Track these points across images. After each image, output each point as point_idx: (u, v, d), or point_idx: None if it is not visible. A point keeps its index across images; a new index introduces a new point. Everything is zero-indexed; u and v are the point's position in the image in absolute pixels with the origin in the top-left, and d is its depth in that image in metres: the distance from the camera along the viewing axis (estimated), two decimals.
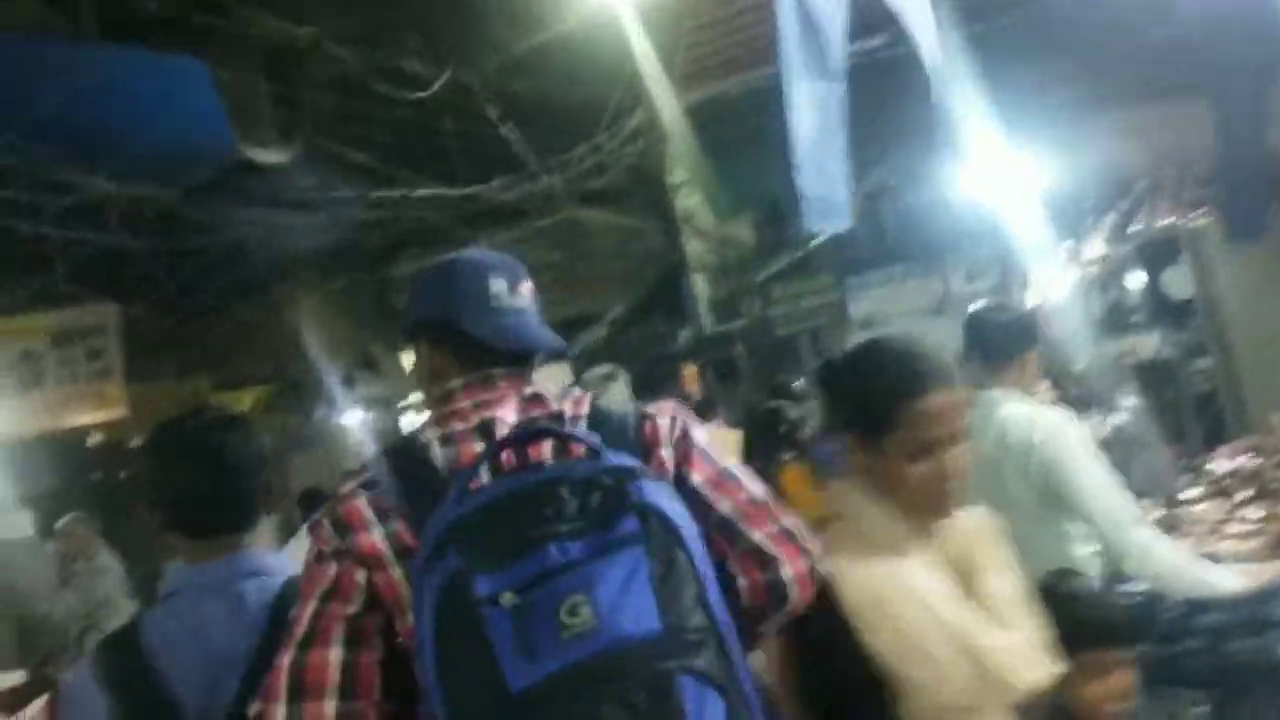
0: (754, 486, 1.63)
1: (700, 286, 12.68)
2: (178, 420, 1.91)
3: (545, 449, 1.51)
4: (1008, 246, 7.40)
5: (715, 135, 7.56)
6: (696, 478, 1.59)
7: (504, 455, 1.49)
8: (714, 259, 11.96)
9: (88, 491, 10.24)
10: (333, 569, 1.48)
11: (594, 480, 1.37)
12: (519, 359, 1.66)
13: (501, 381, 1.63)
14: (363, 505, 1.51)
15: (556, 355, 1.81)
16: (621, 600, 1.28)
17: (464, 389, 1.62)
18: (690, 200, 12.01)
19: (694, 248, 12.33)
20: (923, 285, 10.60)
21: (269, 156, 9.65)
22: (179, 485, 1.84)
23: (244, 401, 12.03)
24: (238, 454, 1.84)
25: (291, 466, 12.94)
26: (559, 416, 1.59)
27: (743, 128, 6.71)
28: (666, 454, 1.60)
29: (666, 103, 9.44)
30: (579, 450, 1.47)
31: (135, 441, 9.17)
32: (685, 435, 1.63)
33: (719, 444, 1.70)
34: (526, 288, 1.69)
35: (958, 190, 7.37)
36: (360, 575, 1.48)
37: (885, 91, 5.51)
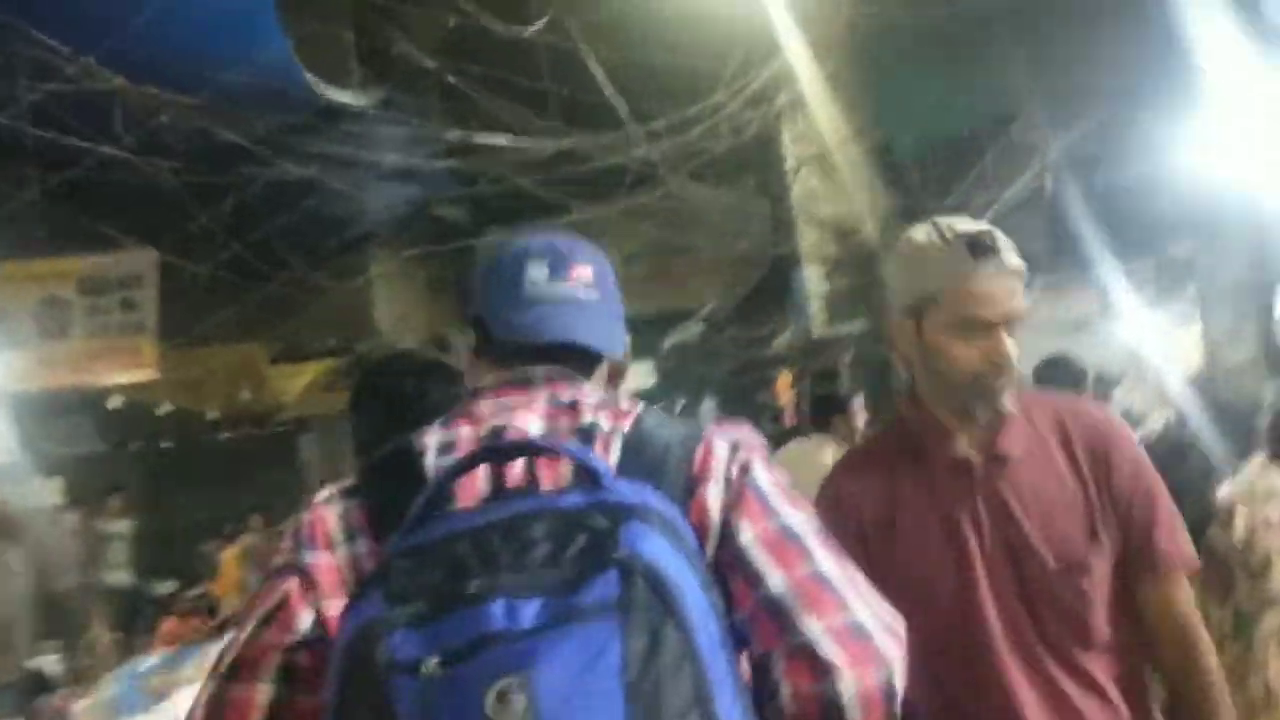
0: (828, 555, 1.22)
1: (814, 282, 11.31)
2: (379, 362, 2.05)
3: (561, 472, 1.22)
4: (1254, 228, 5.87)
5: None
6: (748, 533, 1.22)
7: (506, 473, 1.23)
8: (833, 250, 10.59)
9: (118, 460, 9.29)
10: (281, 587, 1.25)
11: (582, 518, 1.08)
12: (567, 357, 1.37)
13: (539, 383, 1.35)
14: (332, 517, 1.29)
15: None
16: (572, 692, 0.98)
17: (492, 389, 1.37)
18: (810, 183, 10.71)
19: (809, 236, 11.00)
20: (1082, 296, 9.06)
21: (350, 99, 8.67)
22: (371, 429, 1.86)
23: (303, 376, 11.04)
24: (432, 402, 1.77)
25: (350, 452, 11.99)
26: (587, 430, 1.28)
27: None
28: (713, 493, 1.24)
29: (804, 50, 8.16)
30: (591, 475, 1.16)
31: (166, 408, 8.18)
32: (745, 471, 1.27)
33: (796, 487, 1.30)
34: (582, 273, 1.40)
35: (1190, 155, 5.72)
36: (311, 600, 1.24)
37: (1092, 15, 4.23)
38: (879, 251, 10.36)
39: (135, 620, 9.84)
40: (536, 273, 1.38)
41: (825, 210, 10.45)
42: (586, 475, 1.14)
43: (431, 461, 1.28)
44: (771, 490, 1.26)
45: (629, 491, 1.13)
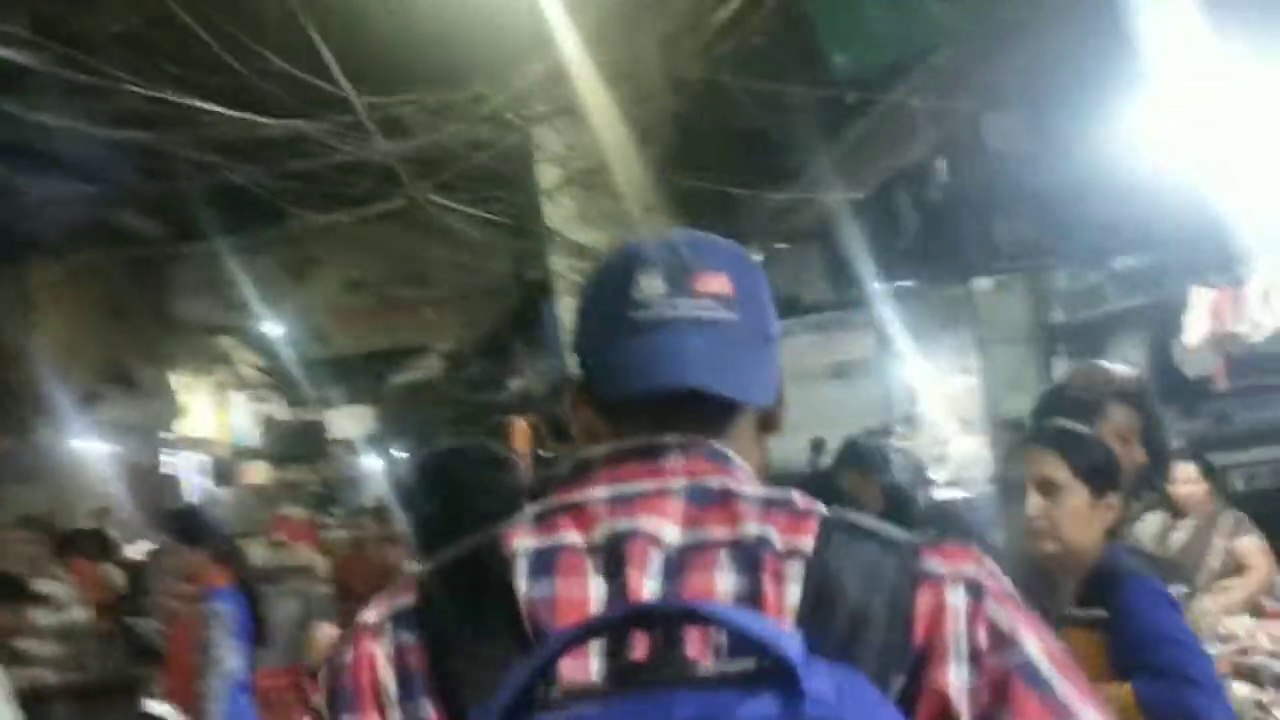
0: None
1: (568, 315, 10.21)
2: (439, 451, 2.14)
3: (700, 642, 0.85)
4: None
5: None
6: None
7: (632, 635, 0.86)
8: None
9: None
10: None
11: None
12: (695, 407, 0.96)
13: (671, 454, 0.97)
14: (382, 657, 0.93)
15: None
16: None
17: (604, 463, 0.99)
18: (562, 210, 9.70)
19: (562, 265, 9.95)
20: (857, 337, 8.50)
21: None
22: (437, 526, 1.86)
23: None
24: (491, 492, 1.82)
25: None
26: (752, 550, 0.89)
27: None
28: (955, 679, 0.86)
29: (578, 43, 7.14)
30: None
31: None
32: (1004, 640, 0.87)
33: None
34: (712, 283, 1.00)
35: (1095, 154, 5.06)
36: None
37: None
38: None
39: None
40: (649, 287, 0.98)
41: (587, 235, 9.48)
42: (769, 661, 0.75)
43: (523, 582, 0.91)
44: (1054, 674, 0.85)
45: (831, 692, 0.74)
